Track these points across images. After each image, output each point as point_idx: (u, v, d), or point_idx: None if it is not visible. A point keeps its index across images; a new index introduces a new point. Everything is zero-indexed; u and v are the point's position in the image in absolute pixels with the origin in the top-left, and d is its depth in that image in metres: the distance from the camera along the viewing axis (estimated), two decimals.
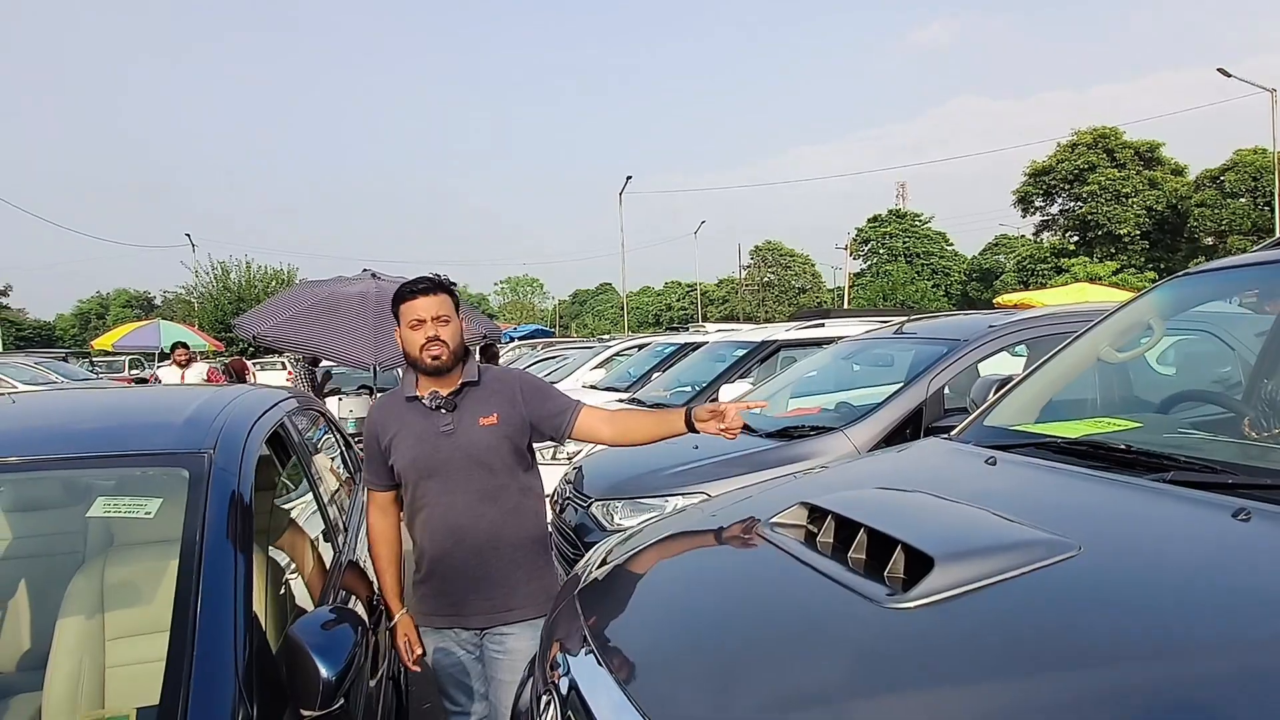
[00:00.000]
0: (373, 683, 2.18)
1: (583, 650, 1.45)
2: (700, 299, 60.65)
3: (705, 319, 49.70)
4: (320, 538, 2.36)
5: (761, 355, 6.02)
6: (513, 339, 23.05)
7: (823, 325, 6.28)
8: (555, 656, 1.52)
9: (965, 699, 1.02)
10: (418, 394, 2.25)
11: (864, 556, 1.42)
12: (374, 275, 8.37)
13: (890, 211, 58.28)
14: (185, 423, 1.93)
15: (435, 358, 2.19)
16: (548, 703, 1.43)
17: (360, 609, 2.21)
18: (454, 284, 2.35)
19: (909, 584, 1.25)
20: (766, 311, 55.14)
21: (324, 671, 1.39)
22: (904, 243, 55.87)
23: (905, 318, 4.70)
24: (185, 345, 9.83)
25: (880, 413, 3.58)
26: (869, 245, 57.71)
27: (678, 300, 69.07)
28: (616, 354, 10.50)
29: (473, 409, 2.26)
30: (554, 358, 13.02)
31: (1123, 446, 1.73)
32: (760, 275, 61.24)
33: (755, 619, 1.41)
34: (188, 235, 37.51)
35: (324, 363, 8.96)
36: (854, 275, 56.14)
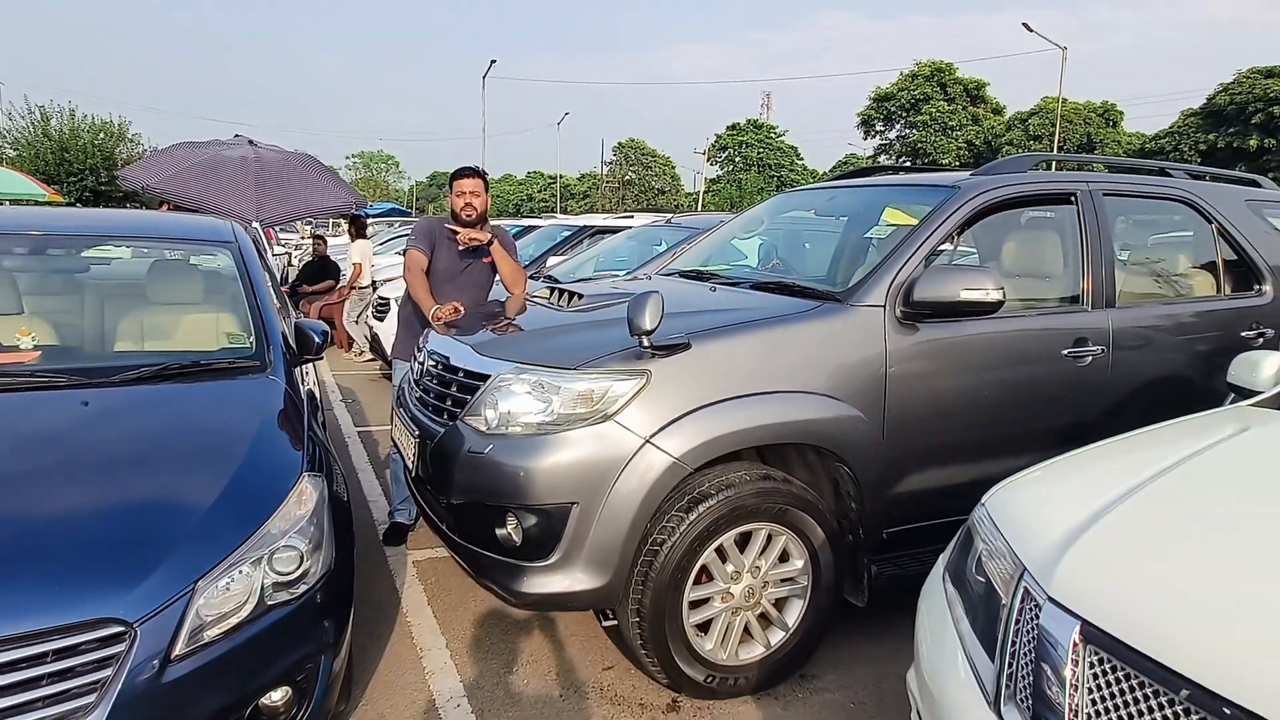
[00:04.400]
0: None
1: (437, 332, 3.24)
2: (561, 192, 61.16)
3: (566, 212, 50.43)
4: (284, 304, 3.97)
5: (581, 237, 7.81)
6: (368, 215, 23.52)
7: (631, 217, 8.13)
8: (421, 340, 3.31)
9: (592, 329, 2.89)
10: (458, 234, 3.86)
11: (566, 301, 3.26)
12: (250, 141, 9.32)
13: (748, 121, 60.50)
14: (211, 227, 3.47)
15: (468, 214, 3.84)
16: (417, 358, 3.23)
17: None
18: (486, 173, 3.97)
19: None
20: (626, 209, 56.72)
21: (316, 338, 3.06)
22: (758, 153, 58.56)
23: (673, 213, 6.66)
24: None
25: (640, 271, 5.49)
26: (726, 152, 59.99)
27: (539, 191, 69.25)
28: None
29: (481, 254, 3.91)
30: (408, 235, 14.26)
31: (698, 271, 3.69)
32: (622, 173, 62.37)
33: (538, 322, 3.26)
34: None
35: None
36: (710, 181, 58.45)
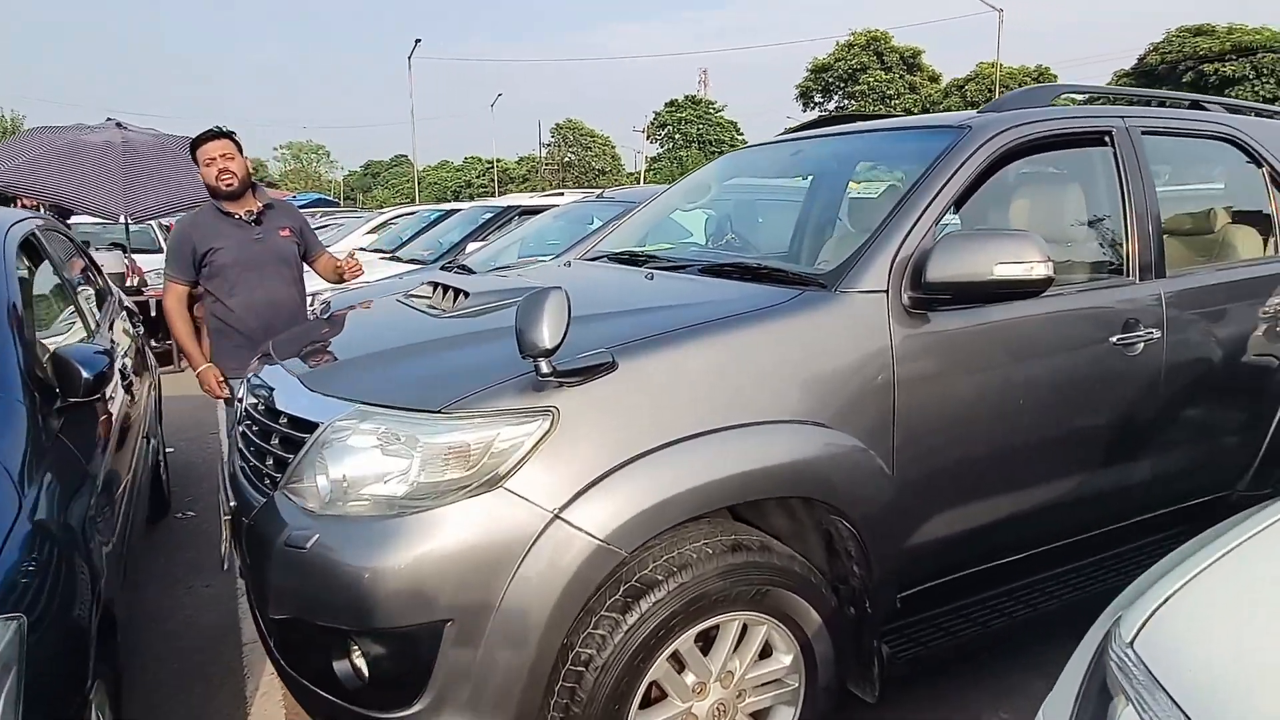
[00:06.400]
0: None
1: (268, 362, 2.32)
2: (500, 176, 59.46)
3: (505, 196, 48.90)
4: (77, 322, 2.98)
5: (506, 219, 6.86)
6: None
7: (562, 194, 7.23)
8: (254, 368, 2.38)
9: (474, 344, 2.00)
10: (232, 212, 3.11)
11: (452, 302, 2.37)
12: (119, 124, 8.12)
13: (686, 97, 59.47)
14: None
15: (228, 183, 3.07)
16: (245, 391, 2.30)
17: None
18: (234, 132, 3.18)
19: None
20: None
21: (85, 373, 2.12)
22: (699, 129, 57.51)
23: (604, 188, 5.79)
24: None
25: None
26: (666, 130, 58.83)
27: (478, 176, 67.15)
28: (388, 221, 10.95)
29: (272, 224, 3.20)
30: (330, 225, 13.37)
31: (638, 254, 2.83)
32: (561, 155, 60.89)
33: (381, 329, 2.36)
34: None
35: (74, 218, 8.58)
36: (651, 159, 57.40)
